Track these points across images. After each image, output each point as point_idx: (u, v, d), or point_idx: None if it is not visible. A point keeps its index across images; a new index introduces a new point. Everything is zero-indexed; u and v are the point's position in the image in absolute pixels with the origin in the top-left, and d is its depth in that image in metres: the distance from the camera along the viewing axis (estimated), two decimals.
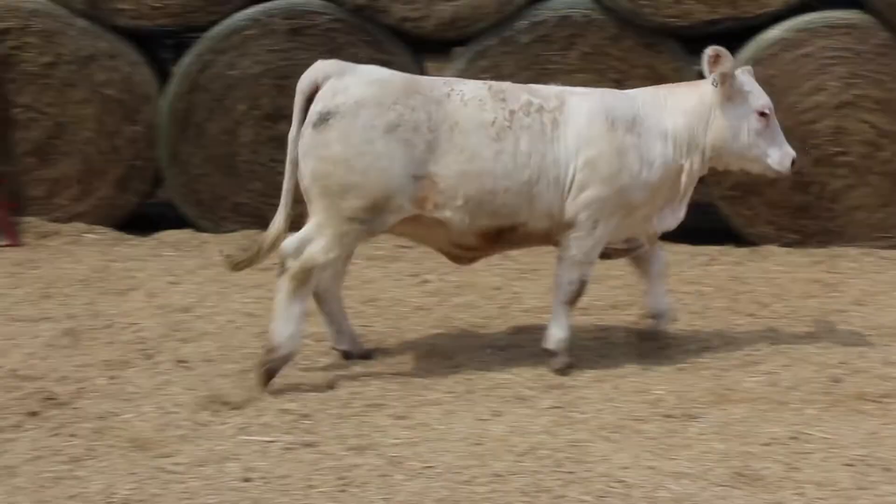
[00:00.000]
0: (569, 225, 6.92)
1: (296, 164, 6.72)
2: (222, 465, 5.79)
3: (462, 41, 10.50)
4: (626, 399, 6.63)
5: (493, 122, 6.82)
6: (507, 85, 7.09)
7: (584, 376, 6.99)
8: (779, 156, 7.09)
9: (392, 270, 9.35)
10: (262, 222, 10.43)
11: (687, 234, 10.18)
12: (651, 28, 10.20)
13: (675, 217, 7.25)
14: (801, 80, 10.15)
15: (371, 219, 6.68)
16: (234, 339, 7.64)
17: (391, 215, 6.71)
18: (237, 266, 7.00)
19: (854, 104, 10.20)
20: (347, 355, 7.27)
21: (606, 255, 7.26)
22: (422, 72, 10.61)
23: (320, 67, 6.79)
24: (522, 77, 10.32)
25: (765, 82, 10.01)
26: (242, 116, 10.48)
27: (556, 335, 7.09)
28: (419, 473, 5.71)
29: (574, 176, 6.86)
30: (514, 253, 9.84)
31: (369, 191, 6.62)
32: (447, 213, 6.77)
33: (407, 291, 8.78)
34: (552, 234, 7.00)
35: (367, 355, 7.31)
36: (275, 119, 10.39)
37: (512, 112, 6.87)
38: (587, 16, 10.26)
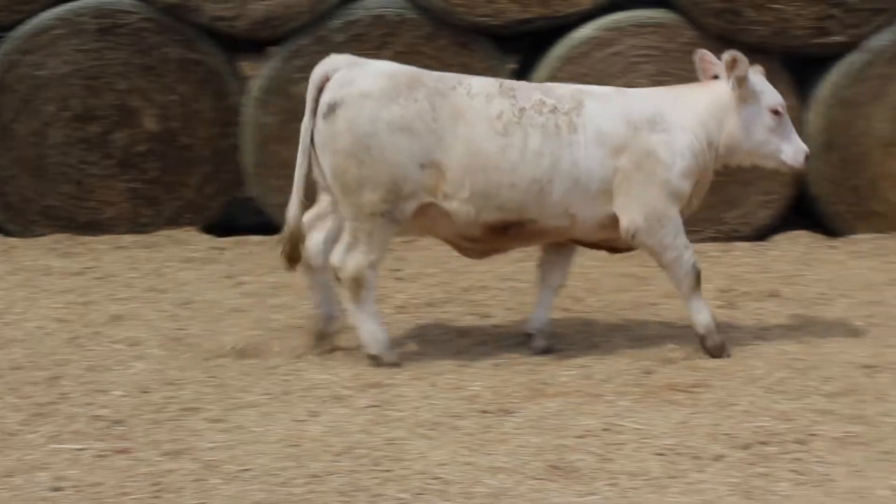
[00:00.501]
0: (630, 234, 7.11)
1: (307, 152, 6.96)
2: (32, 475, 5.65)
3: (276, 41, 10.42)
4: (443, 396, 6.66)
5: (500, 116, 6.97)
6: (519, 83, 7.32)
7: (402, 375, 7.00)
8: (792, 151, 7.29)
9: (207, 272, 9.24)
10: (74, 225, 10.35)
11: None
12: (464, 27, 10.26)
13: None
14: (611, 79, 10.28)
15: (391, 210, 6.89)
16: (43, 345, 7.46)
17: (408, 202, 6.91)
18: (285, 258, 7.08)
19: None
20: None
21: (615, 248, 7.47)
22: (235, 72, 10.52)
23: (332, 60, 7.06)
24: None
25: (576, 81, 10.17)
26: (51, 117, 10.24)
27: (699, 319, 7.23)
28: (235, 477, 5.65)
29: (609, 184, 7.03)
30: None
31: (380, 182, 6.84)
32: (454, 205, 6.93)
33: (223, 293, 8.69)
34: (573, 232, 7.18)
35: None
36: (85, 120, 10.18)
37: (522, 109, 7.00)
38: (401, 15, 10.28)
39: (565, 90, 7.23)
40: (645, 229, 7.10)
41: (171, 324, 7.92)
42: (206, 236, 10.11)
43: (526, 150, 6.96)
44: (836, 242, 10.15)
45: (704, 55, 7.52)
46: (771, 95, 7.34)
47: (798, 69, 10.43)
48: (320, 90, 6.95)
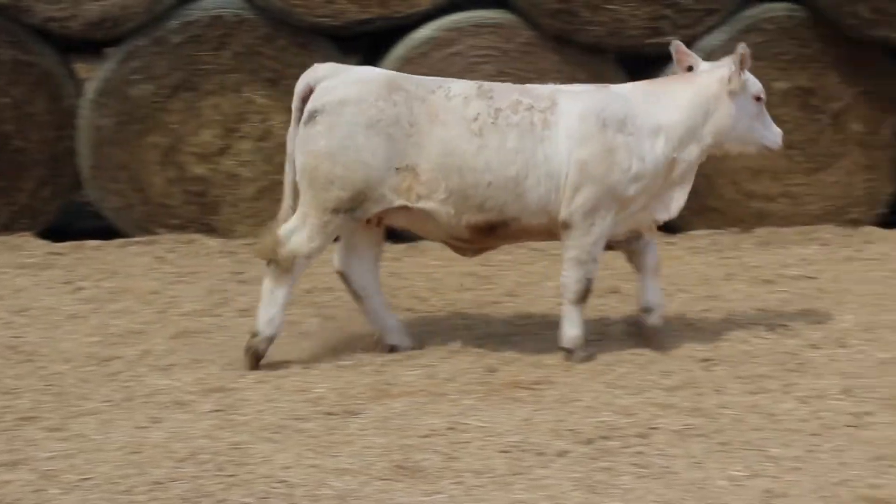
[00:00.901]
0: (566, 225, 7.14)
1: (293, 161, 7.12)
2: None
3: (112, 42, 10.25)
4: (288, 399, 6.62)
5: (476, 118, 7.07)
6: (500, 85, 7.41)
7: (246, 378, 6.94)
8: (773, 135, 7.51)
9: (44, 278, 9.04)
10: None
11: None
12: (304, 28, 10.22)
13: (676, 205, 7.50)
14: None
15: (354, 208, 7.02)
16: None
17: (374, 205, 7.04)
18: (259, 253, 7.25)
19: None
20: (394, 349, 7.40)
21: (609, 246, 7.41)
22: (70, 74, 10.33)
23: (315, 70, 7.22)
24: (175, 77, 10.20)
25: None
26: None
27: (570, 333, 7.24)
28: (75, 486, 5.54)
29: (567, 176, 7.09)
30: (171, 256, 9.72)
31: (352, 182, 6.97)
32: (431, 205, 7.06)
33: (60, 299, 8.52)
34: (554, 231, 7.23)
35: (418, 346, 7.43)
36: None
37: (498, 110, 7.11)
38: (239, 15, 10.19)
39: (544, 90, 7.33)
40: (579, 224, 7.17)
41: (6, 331, 7.74)
42: (42, 241, 9.90)
43: (502, 149, 7.07)
44: (674, 238, 10.33)
45: (679, 46, 7.65)
46: (754, 83, 7.48)
47: (633, 69, 10.59)
48: (304, 101, 7.10)
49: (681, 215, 10.34)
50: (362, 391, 6.71)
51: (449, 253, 8.28)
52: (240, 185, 10.39)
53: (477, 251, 7.52)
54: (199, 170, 10.38)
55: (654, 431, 6.13)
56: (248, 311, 8.13)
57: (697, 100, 7.37)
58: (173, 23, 10.16)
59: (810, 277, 9.14)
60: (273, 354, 7.30)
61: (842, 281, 8.97)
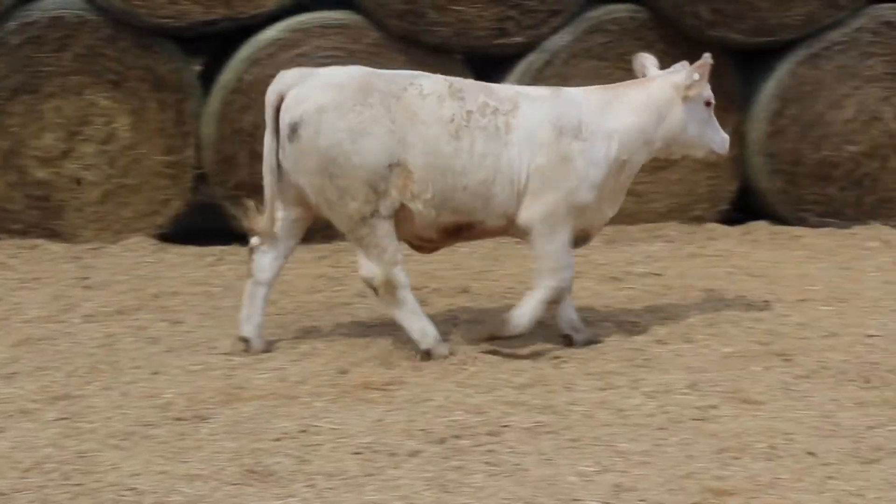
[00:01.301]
0: (526, 232, 7.26)
1: (274, 173, 7.13)
2: None
3: None
4: (136, 405, 6.51)
5: (452, 120, 7.14)
6: (466, 83, 7.45)
7: (92, 385, 6.82)
8: (720, 140, 7.65)
9: None
10: None
11: (193, 234, 10.17)
12: (147, 29, 10.08)
13: (616, 206, 7.60)
14: None
15: (377, 209, 7.05)
16: None
17: (388, 199, 7.06)
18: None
19: None
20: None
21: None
22: None
23: (283, 77, 7.19)
24: (14, 80, 10.00)
25: (264, 82, 10.11)
26: None
27: (519, 320, 7.27)
28: None
29: (526, 182, 7.18)
30: (13, 262, 9.53)
31: (356, 189, 7.01)
32: (419, 206, 7.11)
33: None
34: (510, 231, 7.39)
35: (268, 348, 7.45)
36: None
37: (469, 112, 7.17)
38: (80, 16, 10.02)
39: (506, 91, 7.43)
40: (539, 231, 7.25)
41: None
42: None
43: (473, 152, 7.14)
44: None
45: (639, 56, 7.83)
46: (706, 90, 7.62)
47: (481, 69, 10.66)
48: (277, 109, 7.08)
49: None
50: (212, 395, 6.63)
51: (299, 254, 8.26)
52: (84, 189, 10.21)
53: (433, 249, 7.61)
54: (41, 174, 10.18)
55: (506, 429, 6.16)
56: (94, 317, 8.02)
57: (650, 104, 7.51)
58: (12, 24, 9.96)
59: (656, 274, 9.29)
60: (120, 360, 7.19)
61: (686, 277, 9.13)
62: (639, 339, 7.62)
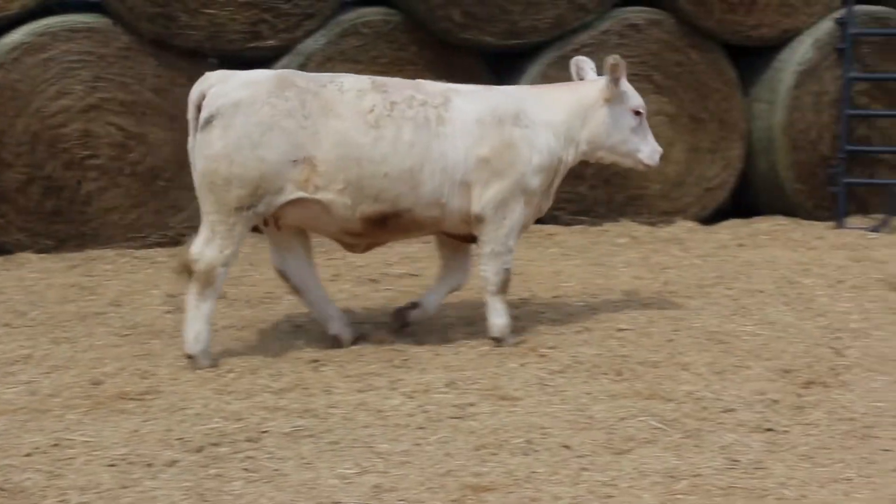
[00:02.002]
0: (479, 219, 7.41)
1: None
2: None
3: None
4: None
5: (372, 111, 7.22)
6: (392, 80, 7.55)
7: None
8: (648, 151, 7.79)
9: None
10: None
11: None
12: None
13: (547, 203, 7.78)
14: (45, 85, 10.06)
15: (256, 204, 7.09)
16: None
17: (274, 197, 7.11)
18: (177, 270, 7.24)
19: (100, 107, 10.26)
20: (337, 339, 7.59)
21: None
22: None
23: (206, 78, 7.21)
24: None
25: (8, 88, 9.85)
26: None
27: (498, 324, 7.53)
28: None
29: (470, 174, 7.33)
30: None
31: (250, 179, 7.05)
32: (329, 196, 7.15)
33: None
34: (444, 226, 7.48)
35: (359, 338, 7.63)
36: None
37: (394, 103, 7.27)
38: None
39: (437, 87, 7.53)
40: (490, 218, 7.40)
41: None
42: None
43: (398, 141, 7.23)
44: None
45: (576, 59, 8.02)
46: (634, 97, 7.77)
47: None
48: (199, 108, 7.12)
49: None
50: None
51: (48, 264, 8.05)
52: None
53: (367, 247, 7.65)
54: None
55: (265, 435, 6.11)
56: None
57: (577, 105, 7.67)
58: None
59: (414, 275, 9.36)
60: None
61: None
62: (398, 339, 7.65)
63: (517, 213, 7.51)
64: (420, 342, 7.59)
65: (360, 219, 7.30)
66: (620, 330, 7.82)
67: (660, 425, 6.19)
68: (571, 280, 9.19)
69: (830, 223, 11.59)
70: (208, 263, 7.10)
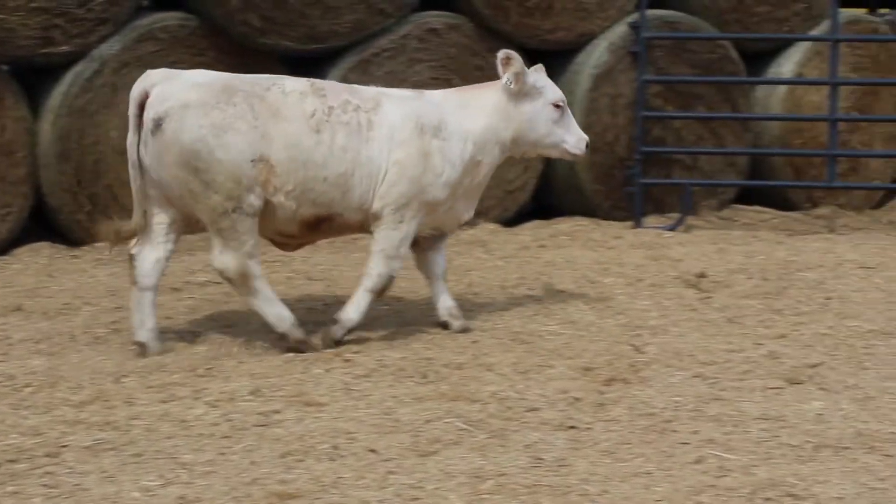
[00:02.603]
0: (376, 217, 7.52)
1: (138, 167, 7.28)
2: None
3: None
4: None
5: (313, 115, 7.36)
6: (329, 83, 7.77)
7: None
8: (574, 140, 7.94)
9: None
10: None
11: None
12: None
13: (472, 207, 7.98)
14: None
15: (239, 204, 7.20)
16: None
17: (251, 195, 7.23)
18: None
19: None
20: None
21: (415, 241, 7.78)
22: None
23: (149, 76, 7.30)
24: None
25: None
26: None
27: (349, 314, 7.58)
28: None
29: (385, 175, 7.46)
30: None
31: (220, 182, 7.16)
32: (280, 198, 7.29)
33: None
34: (366, 226, 7.60)
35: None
36: None
37: (331, 108, 7.42)
38: None
39: (369, 92, 7.71)
40: (388, 218, 7.53)
41: None
42: None
43: (334, 146, 7.37)
44: (79, 252, 10.15)
45: (505, 53, 7.92)
46: (552, 91, 7.95)
47: (27, 79, 10.32)
48: (141, 106, 7.20)
49: (84, 227, 10.33)
50: None
51: None
52: None
53: (297, 246, 7.84)
54: None
55: (64, 449, 5.96)
56: None
57: (500, 106, 7.80)
58: None
59: (217, 283, 9.25)
60: None
61: None
62: (201, 348, 7.57)
63: (414, 222, 7.64)
64: (225, 351, 7.51)
65: (298, 221, 7.46)
66: (425, 333, 7.86)
67: (465, 426, 6.23)
68: None
69: (628, 223, 11.85)
70: (236, 269, 7.31)
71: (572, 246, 10.86)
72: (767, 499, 5.37)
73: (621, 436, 6.14)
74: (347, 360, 7.28)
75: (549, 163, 11.95)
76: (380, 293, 7.72)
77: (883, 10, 15.04)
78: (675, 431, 6.20)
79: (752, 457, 5.83)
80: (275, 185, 7.31)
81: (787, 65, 12.66)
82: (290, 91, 7.43)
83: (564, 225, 11.73)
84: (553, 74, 11.97)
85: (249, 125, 7.23)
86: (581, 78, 11.88)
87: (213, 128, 7.16)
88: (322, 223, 7.56)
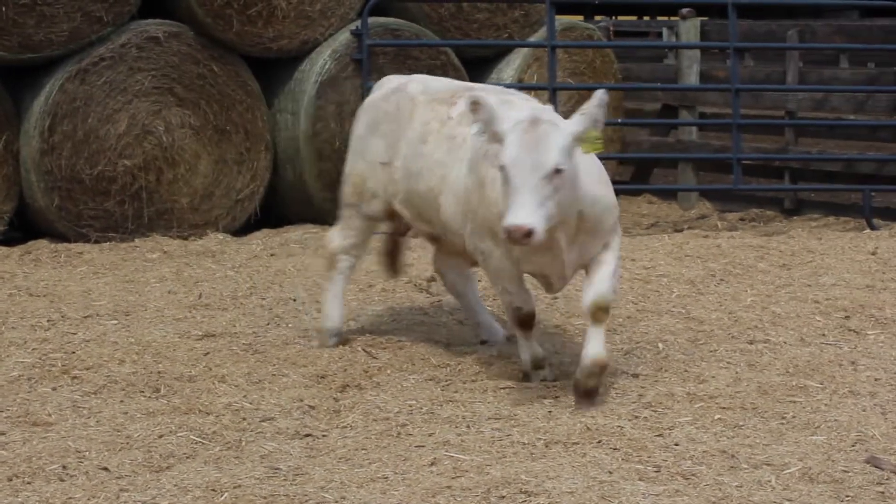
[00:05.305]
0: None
1: None
2: None
3: None
4: None
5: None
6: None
7: None
8: None
9: None
10: None
11: None
12: None
13: None
14: None
15: (358, 203, 7.60)
16: None
17: (371, 203, 7.54)
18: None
19: None
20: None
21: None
22: None
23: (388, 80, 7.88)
24: None
25: None
26: None
27: (523, 357, 7.10)
28: None
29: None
30: None
31: (353, 179, 7.62)
32: (398, 206, 7.44)
33: None
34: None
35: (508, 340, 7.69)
36: None
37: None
38: None
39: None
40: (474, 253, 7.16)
41: None
42: None
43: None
44: None
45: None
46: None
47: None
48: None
49: None
50: None
51: None
52: None
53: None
54: None
55: None
56: None
57: None
58: None
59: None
60: None
61: None
62: None
63: (487, 248, 7.12)
64: None
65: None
66: (153, 346, 7.71)
67: (199, 439, 6.15)
68: (103, 298, 8.99)
69: None
70: (331, 248, 7.73)
71: (302, 254, 10.84)
72: (501, 496, 5.47)
73: (357, 441, 6.16)
74: (75, 378, 7.09)
75: (276, 171, 11.91)
76: (522, 327, 7.00)
77: (598, 18, 15.56)
78: (410, 435, 6.26)
79: (486, 456, 5.93)
80: (392, 191, 7.46)
81: (507, 70, 12.94)
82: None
83: (294, 233, 11.70)
84: (278, 83, 12.05)
85: (389, 128, 7.47)
86: (306, 86, 11.88)
87: (366, 127, 7.63)
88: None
